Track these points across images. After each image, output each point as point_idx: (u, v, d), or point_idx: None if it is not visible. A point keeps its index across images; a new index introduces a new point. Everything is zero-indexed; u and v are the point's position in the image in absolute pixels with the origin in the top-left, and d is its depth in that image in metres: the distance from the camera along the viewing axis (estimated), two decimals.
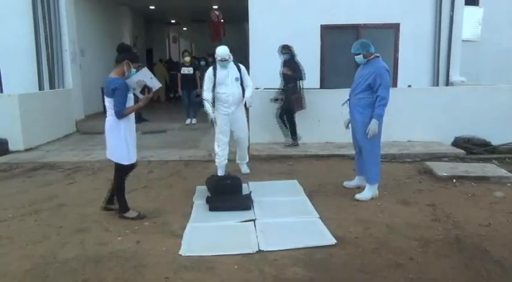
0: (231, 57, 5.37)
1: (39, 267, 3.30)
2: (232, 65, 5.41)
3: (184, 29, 21.43)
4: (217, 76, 5.36)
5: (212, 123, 5.53)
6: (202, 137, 8.36)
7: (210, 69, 5.47)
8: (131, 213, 4.26)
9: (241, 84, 5.44)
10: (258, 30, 8.68)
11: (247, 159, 5.91)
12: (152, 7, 14.74)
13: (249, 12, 8.74)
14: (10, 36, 8.92)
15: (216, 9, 13.89)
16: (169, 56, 20.25)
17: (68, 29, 9.33)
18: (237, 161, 5.88)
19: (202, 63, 10.83)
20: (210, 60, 12.07)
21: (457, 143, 7.04)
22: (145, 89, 4.14)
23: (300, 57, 7.33)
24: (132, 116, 4.16)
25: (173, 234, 3.87)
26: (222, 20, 13.96)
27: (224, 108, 5.43)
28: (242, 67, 5.54)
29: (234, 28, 15.69)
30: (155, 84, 4.19)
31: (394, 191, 4.99)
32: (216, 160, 5.63)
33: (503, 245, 3.57)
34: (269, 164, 6.21)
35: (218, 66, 5.37)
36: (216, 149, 5.59)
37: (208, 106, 5.35)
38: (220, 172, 5.59)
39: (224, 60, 5.29)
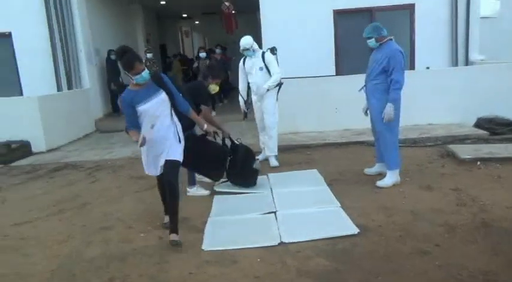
0: (254, 46, 5.50)
1: (66, 267, 3.36)
2: (258, 54, 5.53)
3: (197, 22, 21.36)
4: (246, 66, 5.62)
5: (245, 114, 5.91)
6: None
7: (241, 60, 5.69)
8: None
9: (269, 73, 5.52)
10: (269, 18, 8.58)
11: (275, 152, 5.74)
12: (163, 2, 14.71)
13: (259, 1, 8.64)
14: (26, 39, 9.05)
15: (226, 0, 13.78)
16: (183, 51, 20.21)
17: (81, 29, 9.40)
18: (266, 154, 5.81)
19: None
20: (218, 51, 11.94)
21: (480, 123, 6.83)
22: None
23: (313, 44, 7.21)
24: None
25: (194, 229, 3.89)
26: (233, 11, 13.85)
27: (254, 96, 5.68)
28: (267, 56, 5.52)
29: (245, 18, 15.54)
30: None
31: (417, 176, 4.90)
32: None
33: None
34: (287, 154, 6.16)
35: (246, 57, 5.60)
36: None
37: (240, 98, 5.78)
38: (261, 156, 5.82)
39: (246, 50, 5.47)
